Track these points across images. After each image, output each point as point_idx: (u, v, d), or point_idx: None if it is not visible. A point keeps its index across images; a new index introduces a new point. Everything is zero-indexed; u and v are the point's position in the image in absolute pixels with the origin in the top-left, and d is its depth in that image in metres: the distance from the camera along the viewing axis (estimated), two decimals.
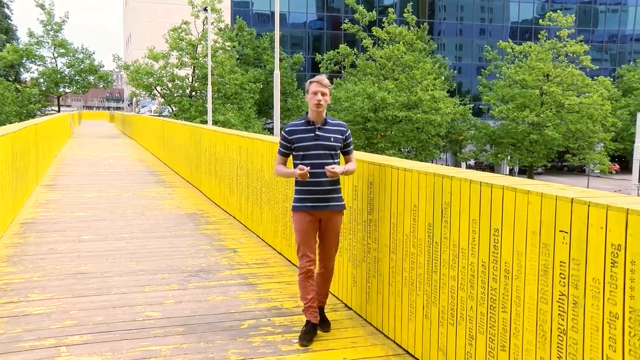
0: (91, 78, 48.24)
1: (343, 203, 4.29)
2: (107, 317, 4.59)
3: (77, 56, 47.27)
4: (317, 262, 4.30)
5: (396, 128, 39.10)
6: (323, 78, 4.20)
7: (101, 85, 50.65)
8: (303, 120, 4.25)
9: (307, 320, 4.24)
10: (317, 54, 47.34)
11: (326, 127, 4.21)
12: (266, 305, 4.93)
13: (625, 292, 2.35)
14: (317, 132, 4.17)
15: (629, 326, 2.33)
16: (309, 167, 4.05)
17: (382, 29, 41.36)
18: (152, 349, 4.00)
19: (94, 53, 48.24)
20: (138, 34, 57.93)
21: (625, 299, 2.35)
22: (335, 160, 4.20)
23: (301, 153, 4.17)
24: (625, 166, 53.62)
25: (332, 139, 4.18)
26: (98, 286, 5.38)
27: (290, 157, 4.33)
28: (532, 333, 2.86)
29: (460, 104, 42.41)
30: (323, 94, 4.16)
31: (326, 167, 4.03)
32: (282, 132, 4.31)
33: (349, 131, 4.32)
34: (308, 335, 4.17)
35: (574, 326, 2.60)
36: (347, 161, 4.38)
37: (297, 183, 4.24)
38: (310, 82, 4.21)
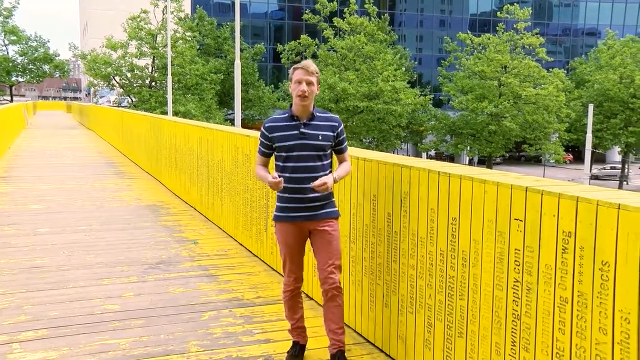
0: (46, 67, 46.99)
1: (335, 209, 3.61)
2: (63, 312, 4.49)
3: (30, 44, 45.91)
4: (318, 280, 3.68)
5: (357, 119, 39.30)
6: (309, 64, 3.49)
7: (57, 75, 49.40)
8: (286, 114, 3.54)
9: (293, 342, 3.74)
10: (278, 44, 47.08)
11: (314, 122, 3.50)
12: (227, 296, 4.92)
13: (575, 277, 2.43)
14: (303, 129, 3.46)
15: (577, 309, 2.42)
16: (281, 179, 3.39)
17: (343, 20, 41.41)
18: (110, 343, 3.94)
19: (48, 41, 46.98)
20: (95, 22, 56.55)
21: (574, 284, 2.43)
22: (324, 162, 3.51)
23: (283, 154, 3.48)
24: (578, 156, 55.17)
25: (320, 137, 3.47)
26: (54, 280, 5.27)
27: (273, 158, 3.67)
28: (488, 319, 2.93)
29: (421, 94, 42.85)
30: (309, 83, 3.45)
31: (312, 183, 3.38)
32: (262, 129, 3.60)
33: (342, 126, 3.61)
34: (296, 359, 3.67)
35: (527, 311, 2.68)
36: (340, 161, 3.67)
37: None
38: (294, 69, 3.50)
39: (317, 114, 3.55)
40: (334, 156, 3.70)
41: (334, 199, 3.64)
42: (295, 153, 3.45)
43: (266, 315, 4.49)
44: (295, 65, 3.53)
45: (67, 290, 5.02)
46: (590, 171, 40.17)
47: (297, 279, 3.64)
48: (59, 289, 5.05)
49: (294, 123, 3.50)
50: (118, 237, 6.94)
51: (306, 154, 3.46)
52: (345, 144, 3.68)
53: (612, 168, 50.16)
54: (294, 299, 3.67)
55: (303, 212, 3.50)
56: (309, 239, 3.62)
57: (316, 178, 3.45)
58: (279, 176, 3.43)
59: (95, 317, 4.41)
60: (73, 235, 6.99)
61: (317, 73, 3.51)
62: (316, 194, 3.47)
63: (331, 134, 3.52)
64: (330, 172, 3.55)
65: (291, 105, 3.56)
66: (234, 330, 4.19)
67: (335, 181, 3.48)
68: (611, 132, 43.89)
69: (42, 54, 46.12)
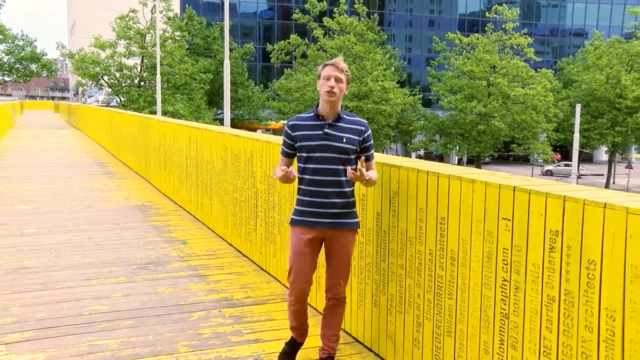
0: (33, 66, 46.52)
1: (356, 220, 3.45)
2: (51, 313, 4.46)
3: (16, 43, 45.47)
4: (324, 292, 3.53)
5: None
6: (340, 61, 3.35)
7: (44, 74, 48.95)
8: (312, 113, 3.39)
9: (291, 337, 3.61)
10: (267, 44, 47.06)
11: (339, 123, 3.33)
12: (216, 296, 4.90)
13: (562, 276, 2.45)
14: (327, 130, 3.30)
15: (564, 308, 2.44)
16: (290, 169, 3.27)
17: (333, 20, 41.46)
18: (98, 344, 3.92)
19: (35, 40, 46.52)
20: (83, 21, 56.22)
21: (561, 282, 2.45)
22: (346, 168, 3.32)
23: (304, 154, 3.33)
24: (566, 155, 55.59)
25: (344, 140, 3.30)
26: (42, 281, 5.23)
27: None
28: (477, 318, 2.94)
29: (410, 94, 43.00)
30: (338, 80, 3.29)
31: (348, 167, 3.24)
32: (285, 126, 3.46)
33: (370, 131, 3.41)
34: (288, 356, 3.57)
35: (515, 310, 2.69)
36: (366, 170, 3.40)
37: (299, 191, 3.40)
38: (324, 65, 3.35)
39: (344, 116, 3.38)
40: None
41: (355, 209, 3.45)
42: (317, 154, 3.30)
43: (255, 315, 4.49)
44: (324, 63, 3.38)
45: (54, 291, 4.98)
46: (578, 170, 40.59)
47: (302, 291, 3.39)
48: (46, 289, 5.01)
49: (318, 122, 3.34)
50: (106, 237, 6.91)
51: (328, 156, 3.29)
52: (372, 151, 3.46)
53: (565, 165, 51.93)
54: (298, 311, 3.46)
55: (323, 219, 3.33)
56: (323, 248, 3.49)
57: (338, 182, 3.30)
58: (301, 180, 3.35)
59: (84, 318, 4.38)
60: (61, 235, 6.95)
61: (347, 71, 3.34)
62: (339, 200, 3.32)
63: (357, 138, 3.34)
64: (348, 181, 3.38)
65: (317, 104, 3.41)
66: (223, 331, 4.18)
67: (366, 179, 3.24)
68: (598, 131, 44.24)
69: (29, 53, 45.69)
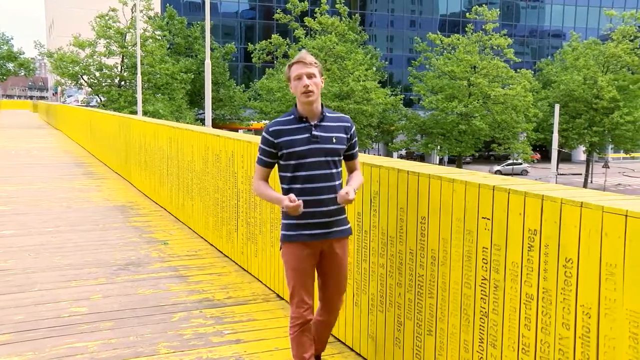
0: (10, 65, 45.94)
1: (349, 226, 3.22)
2: (29, 315, 4.41)
3: None
4: (317, 306, 3.29)
5: None
6: (305, 55, 3.02)
7: (22, 73, 48.35)
8: (292, 116, 3.06)
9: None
10: (249, 43, 46.90)
11: (325, 123, 3.06)
12: (197, 297, 4.88)
13: (540, 274, 2.48)
14: (315, 132, 3.02)
15: (542, 306, 2.47)
16: (300, 201, 2.90)
17: (314, 20, 41.46)
18: (78, 346, 3.88)
19: (12, 38, 45.98)
20: (62, 20, 55.59)
21: (539, 281, 2.49)
22: (339, 170, 3.09)
23: (293, 162, 3.00)
24: (545, 155, 56.24)
25: (333, 140, 3.04)
26: (19, 283, 5.16)
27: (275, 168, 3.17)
28: (457, 317, 2.97)
29: (392, 94, 43.16)
30: (310, 76, 2.98)
31: (339, 194, 2.95)
32: (265, 134, 3.07)
33: (354, 126, 3.17)
34: None
35: (495, 309, 2.72)
36: (349, 169, 3.24)
37: None
38: (290, 66, 3.04)
39: (327, 114, 3.10)
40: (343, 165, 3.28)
41: (346, 215, 3.24)
42: (308, 160, 2.99)
43: (237, 315, 4.48)
44: (289, 62, 3.05)
45: (33, 293, 4.92)
46: (557, 170, 41.15)
47: (310, 309, 3.08)
48: (24, 292, 4.94)
49: (303, 125, 3.03)
50: (86, 238, 6.84)
51: (319, 160, 3.01)
52: (357, 149, 3.26)
53: (510, 165, 53.07)
54: (304, 334, 3.09)
55: (321, 229, 3.06)
56: None
57: (332, 187, 3.04)
58: (289, 191, 3.01)
59: (63, 320, 4.33)
60: (40, 237, 6.86)
61: (316, 64, 3.01)
62: (335, 206, 3.06)
63: (344, 135, 3.11)
64: (341, 184, 3.14)
65: (295, 105, 3.09)
66: (205, 331, 4.17)
67: (353, 197, 3.01)
68: (576, 131, 44.79)
69: (6, 52, 45.11)
